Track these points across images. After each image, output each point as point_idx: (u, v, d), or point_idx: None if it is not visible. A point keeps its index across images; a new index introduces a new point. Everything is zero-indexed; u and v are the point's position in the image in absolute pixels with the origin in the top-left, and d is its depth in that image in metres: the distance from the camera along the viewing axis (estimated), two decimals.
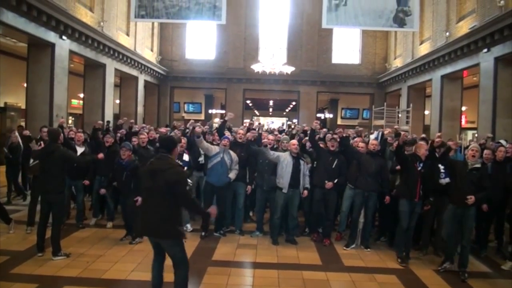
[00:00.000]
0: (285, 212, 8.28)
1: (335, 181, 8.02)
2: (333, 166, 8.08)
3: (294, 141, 8.39)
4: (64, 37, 14.56)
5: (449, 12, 17.37)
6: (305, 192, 8.15)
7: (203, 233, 8.33)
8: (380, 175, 7.87)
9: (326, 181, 7.97)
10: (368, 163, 7.78)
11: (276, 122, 43.27)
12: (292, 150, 8.16)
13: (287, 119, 44.33)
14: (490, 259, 7.67)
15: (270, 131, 13.99)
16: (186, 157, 8.62)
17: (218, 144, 8.84)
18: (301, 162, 8.13)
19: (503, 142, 9.69)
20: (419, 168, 7.15)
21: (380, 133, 9.61)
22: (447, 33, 17.11)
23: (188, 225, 8.71)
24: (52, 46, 14.13)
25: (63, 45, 14.76)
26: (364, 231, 8.06)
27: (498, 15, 13.02)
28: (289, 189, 8.01)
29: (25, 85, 14.51)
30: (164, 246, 4.85)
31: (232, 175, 8.31)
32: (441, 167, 7.52)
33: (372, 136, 9.18)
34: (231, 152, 8.42)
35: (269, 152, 8.13)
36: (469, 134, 19.98)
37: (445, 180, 7.43)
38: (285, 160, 8.05)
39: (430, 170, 7.30)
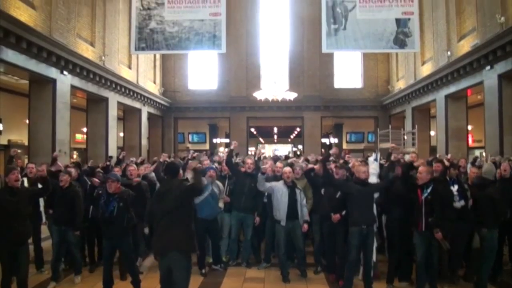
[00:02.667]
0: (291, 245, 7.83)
1: (343, 212, 7.13)
2: (337, 196, 7.29)
3: (287, 169, 7.89)
4: (65, 73, 14.59)
5: (449, 32, 17.34)
6: (305, 226, 7.69)
7: (202, 271, 7.86)
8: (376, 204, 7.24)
9: (332, 214, 7.18)
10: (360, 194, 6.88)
11: (281, 149, 43.20)
12: (285, 179, 7.71)
13: (292, 145, 44.20)
14: (506, 284, 7.32)
15: (275, 159, 13.79)
16: None
17: (226, 175, 8.80)
18: (297, 191, 7.67)
19: None
20: (425, 195, 6.50)
21: (379, 155, 9.11)
22: (449, 53, 17.04)
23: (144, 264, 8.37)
24: (53, 81, 14.15)
25: (65, 81, 14.78)
26: (366, 275, 6.94)
27: (499, 32, 12.93)
28: (288, 222, 7.53)
29: (27, 121, 14.49)
30: (173, 266, 5.02)
31: (221, 204, 8.12)
32: (454, 189, 7.14)
33: (371, 159, 8.66)
34: (218, 182, 8.22)
35: (262, 182, 7.69)
36: (477, 153, 19.73)
37: (460, 203, 7.04)
38: (279, 190, 7.61)
39: (438, 194, 6.57)
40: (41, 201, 8.06)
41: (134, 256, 7.27)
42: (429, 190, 6.51)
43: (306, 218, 7.72)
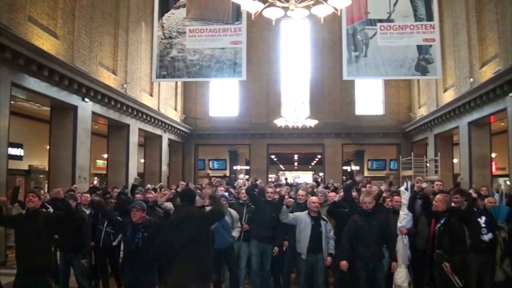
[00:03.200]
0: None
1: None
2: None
3: (314, 198, 7.58)
4: (86, 99, 14.82)
5: (471, 58, 17.13)
6: (329, 259, 7.21)
7: None
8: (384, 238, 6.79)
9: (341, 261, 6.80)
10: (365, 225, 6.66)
11: (302, 177, 42.93)
12: (311, 208, 7.36)
13: (313, 172, 43.90)
14: None
15: (292, 185, 13.65)
16: None
17: (244, 203, 8.55)
18: (322, 223, 7.28)
19: None
20: (438, 225, 6.22)
21: (409, 184, 8.39)
22: (471, 79, 16.80)
23: None
24: (74, 108, 14.37)
25: (86, 107, 15.00)
26: None
27: None
28: (310, 255, 7.14)
29: (48, 147, 14.67)
30: None
31: (236, 233, 7.81)
32: (481, 220, 6.82)
33: (402, 188, 8.16)
34: (231, 210, 7.98)
35: (285, 214, 7.46)
36: (501, 182, 19.24)
37: (488, 236, 6.72)
38: (302, 221, 7.30)
39: (450, 227, 6.19)
40: None
41: None
42: (442, 221, 6.23)
43: (331, 251, 7.27)
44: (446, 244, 6.08)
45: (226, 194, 8.90)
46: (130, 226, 6.42)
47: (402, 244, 7.29)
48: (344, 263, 6.58)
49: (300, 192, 8.99)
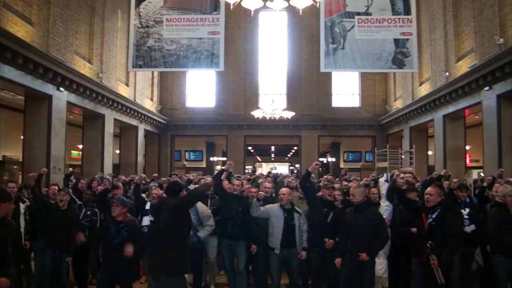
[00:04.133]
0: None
1: (337, 238, 6.55)
2: (328, 220, 6.73)
3: (285, 190, 7.11)
4: (61, 89, 14.48)
5: (447, 53, 17.36)
6: (303, 253, 6.79)
7: None
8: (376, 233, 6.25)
9: (326, 239, 6.54)
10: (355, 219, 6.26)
11: (278, 168, 43.04)
12: (283, 200, 6.89)
13: (289, 164, 44.06)
14: None
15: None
16: (146, 220, 7.48)
17: (208, 194, 7.92)
18: (296, 216, 6.83)
19: None
20: (430, 220, 5.87)
21: (389, 175, 8.09)
22: (447, 73, 17.04)
23: None
24: (49, 98, 14.01)
25: (61, 97, 14.67)
26: None
27: (498, 52, 12.93)
28: (283, 249, 6.74)
29: (22, 137, 14.35)
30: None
31: (203, 233, 7.02)
32: (465, 212, 6.79)
33: (381, 180, 8.02)
34: (199, 206, 7.10)
35: (256, 207, 6.94)
36: (474, 173, 19.62)
37: (470, 228, 6.73)
38: (274, 214, 6.85)
39: (445, 222, 5.87)
40: (22, 220, 7.36)
41: None
42: (434, 216, 5.88)
43: (305, 244, 6.84)
44: (438, 239, 5.75)
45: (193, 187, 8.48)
46: (111, 221, 6.16)
47: None
48: (337, 261, 6.30)
49: (267, 184, 8.60)
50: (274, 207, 7.00)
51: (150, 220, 7.05)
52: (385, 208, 7.30)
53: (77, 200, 8.07)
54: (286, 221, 6.77)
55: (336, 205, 7.08)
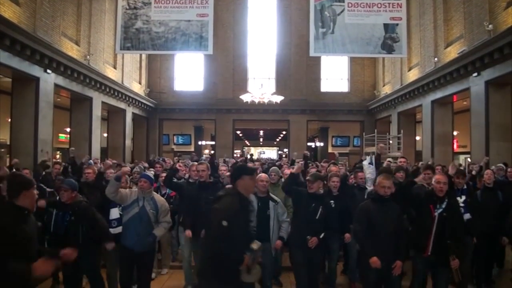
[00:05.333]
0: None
1: (321, 235, 5.74)
2: (317, 217, 5.83)
3: (264, 176, 6.31)
4: (49, 71, 14.30)
5: (436, 38, 17.40)
6: (278, 242, 5.98)
7: None
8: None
9: (309, 237, 5.66)
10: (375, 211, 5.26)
11: (267, 152, 43.12)
12: (258, 188, 6.03)
13: (278, 148, 44.15)
14: None
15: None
16: (115, 213, 6.33)
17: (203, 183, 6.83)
18: (271, 204, 6.03)
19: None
20: (440, 211, 5.33)
21: (373, 157, 7.85)
22: (436, 59, 17.10)
23: None
24: (36, 80, 13.84)
25: (48, 79, 14.49)
26: None
27: (487, 39, 13.00)
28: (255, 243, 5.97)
29: (9, 120, 14.19)
30: None
31: (159, 231, 5.86)
32: (461, 200, 6.47)
33: (365, 163, 7.71)
34: (156, 197, 5.96)
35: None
36: (461, 159, 19.83)
37: (465, 216, 6.39)
38: None
39: (454, 211, 5.48)
40: None
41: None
42: (444, 206, 5.36)
43: (283, 234, 6.02)
44: (448, 231, 5.28)
45: (151, 173, 7.12)
46: (59, 206, 5.57)
47: None
48: (375, 259, 5.04)
49: (221, 167, 8.14)
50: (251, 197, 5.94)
51: (120, 213, 6.15)
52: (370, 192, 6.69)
53: (45, 187, 7.58)
54: (259, 211, 5.89)
55: (326, 199, 6.34)
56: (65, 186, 5.58)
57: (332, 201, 6.53)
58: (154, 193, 5.98)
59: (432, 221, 5.35)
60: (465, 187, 6.94)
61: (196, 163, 7.45)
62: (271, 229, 5.98)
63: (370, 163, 7.53)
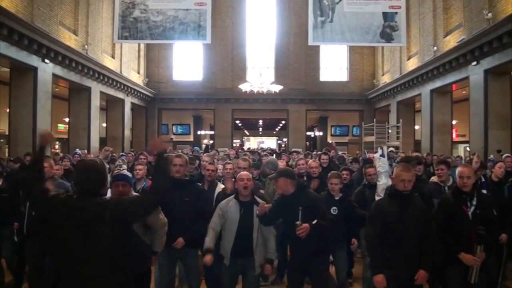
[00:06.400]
0: None
1: (314, 221, 4.44)
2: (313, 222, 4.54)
3: (245, 174, 4.97)
4: (47, 61, 14.24)
5: (435, 27, 17.34)
6: (267, 267, 4.82)
7: None
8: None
9: (298, 222, 4.35)
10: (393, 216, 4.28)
11: (266, 142, 43.12)
12: (240, 190, 4.88)
13: (277, 138, 44.15)
14: None
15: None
16: None
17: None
18: (255, 209, 4.77)
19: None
20: (473, 209, 4.50)
21: (385, 149, 7.07)
22: (435, 48, 17.04)
23: None
24: (34, 70, 13.79)
25: (46, 69, 14.44)
26: None
27: (486, 27, 12.94)
28: (235, 259, 4.77)
29: (7, 110, 14.16)
30: None
31: (160, 246, 4.64)
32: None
33: (377, 155, 6.83)
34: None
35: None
36: (460, 148, 19.85)
37: None
38: (229, 209, 4.85)
39: (489, 206, 4.67)
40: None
41: None
42: (475, 202, 4.53)
43: (270, 255, 4.85)
44: (484, 230, 4.34)
45: (128, 172, 4.75)
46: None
47: None
48: (380, 279, 4.19)
49: (204, 157, 7.38)
50: (228, 201, 4.98)
51: None
52: (382, 187, 6.10)
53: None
54: (242, 219, 4.78)
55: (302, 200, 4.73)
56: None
57: (334, 208, 5.60)
58: (135, 194, 4.49)
59: (468, 222, 4.44)
60: (483, 179, 6.54)
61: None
62: (254, 241, 4.74)
63: (382, 155, 6.62)
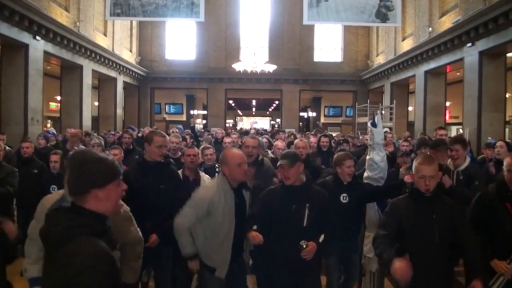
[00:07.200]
0: None
1: (320, 238, 3.72)
2: (304, 223, 3.73)
3: (238, 154, 3.94)
4: (38, 38, 14.01)
5: (431, 8, 17.24)
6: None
7: None
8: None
9: (303, 242, 3.57)
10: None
11: (260, 122, 43.06)
12: (236, 175, 3.80)
13: (270, 118, 44.09)
14: None
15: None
16: None
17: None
18: (246, 196, 3.95)
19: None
20: None
21: (378, 116, 5.45)
22: (430, 29, 16.97)
23: None
24: (25, 47, 13.56)
25: (37, 46, 14.22)
26: None
27: (482, 8, 12.87)
28: (232, 266, 3.80)
29: None
30: None
31: (128, 274, 3.51)
32: None
33: (369, 124, 5.27)
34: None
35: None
36: (453, 130, 19.91)
37: None
38: (218, 200, 3.71)
39: None
40: None
41: None
42: None
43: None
44: None
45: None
46: None
47: (373, 211, 5.08)
48: (402, 263, 3.12)
49: (172, 138, 6.68)
50: (215, 187, 3.83)
51: None
52: (371, 163, 5.02)
53: None
54: (239, 210, 3.79)
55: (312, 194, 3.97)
56: None
57: (344, 195, 4.65)
58: None
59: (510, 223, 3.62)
60: None
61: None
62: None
63: (373, 124, 5.15)
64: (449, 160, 5.21)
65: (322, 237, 3.66)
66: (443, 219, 3.33)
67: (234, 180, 3.77)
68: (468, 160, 5.26)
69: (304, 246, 3.51)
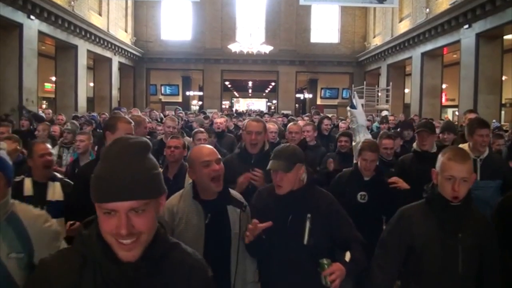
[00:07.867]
0: None
1: (347, 256, 2.54)
2: (305, 240, 2.69)
3: (209, 150, 2.74)
4: (32, 17, 13.86)
5: None
6: None
7: None
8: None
9: (325, 261, 2.39)
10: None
11: (256, 104, 42.98)
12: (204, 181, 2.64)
13: (267, 100, 44.01)
14: None
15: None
16: None
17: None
18: (232, 212, 2.70)
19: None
20: None
21: (357, 99, 5.45)
22: (427, 10, 16.87)
23: None
24: (20, 26, 13.44)
25: (32, 26, 14.07)
26: None
27: None
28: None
29: None
30: None
31: None
32: None
33: (348, 108, 5.36)
34: (24, 213, 2.10)
35: None
36: (449, 112, 19.95)
37: None
38: (180, 216, 2.65)
39: None
40: None
41: None
42: None
43: (251, 278, 2.78)
44: None
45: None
46: None
47: None
48: None
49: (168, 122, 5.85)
50: (178, 197, 2.77)
51: None
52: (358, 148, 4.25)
53: None
54: (213, 234, 2.64)
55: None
56: None
57: (362, 193, 3.89)
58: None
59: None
60: None
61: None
62: (233, 266, 2.67)
63: (352, 106, 5.00)
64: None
65: (348, 255, 2.50)
66: (471, 240, 2.43)
67: (204, 189, 2.66)
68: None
69: (326, 264, 2.36)
